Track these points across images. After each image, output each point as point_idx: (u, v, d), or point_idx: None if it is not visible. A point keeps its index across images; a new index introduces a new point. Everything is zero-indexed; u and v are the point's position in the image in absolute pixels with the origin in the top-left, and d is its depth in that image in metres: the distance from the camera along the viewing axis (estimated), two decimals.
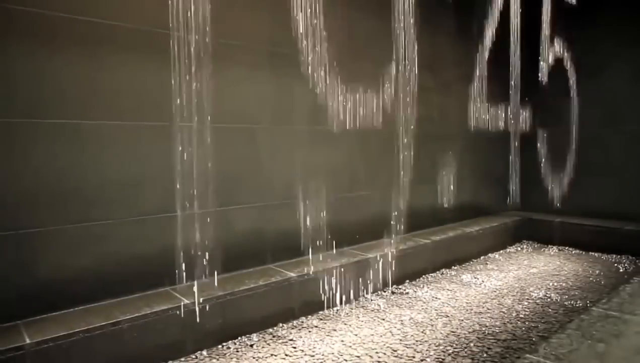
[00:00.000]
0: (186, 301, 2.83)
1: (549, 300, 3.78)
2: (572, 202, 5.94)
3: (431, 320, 3.36)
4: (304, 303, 3.41)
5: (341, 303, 3.64)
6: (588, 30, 5.73)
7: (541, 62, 6.12)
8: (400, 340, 3.02)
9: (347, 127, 4.21)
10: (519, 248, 5.66)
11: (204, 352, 2.84)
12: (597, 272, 4.59)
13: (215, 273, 3.33)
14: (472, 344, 2.95)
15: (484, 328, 3.20)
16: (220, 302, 2.95)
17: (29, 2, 2.52)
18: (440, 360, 2.74)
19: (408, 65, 4.76)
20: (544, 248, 5.65)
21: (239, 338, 3.02)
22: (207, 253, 3.29)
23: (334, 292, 3.61)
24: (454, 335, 3.10)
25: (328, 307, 3.55)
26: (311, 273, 3.47)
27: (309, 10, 3.82)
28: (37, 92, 2.58)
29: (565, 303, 3.70)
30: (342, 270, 3.69)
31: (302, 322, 3.32)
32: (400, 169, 4.78)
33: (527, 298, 3.80)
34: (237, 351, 2.87)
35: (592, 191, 5.76)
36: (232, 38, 3.35)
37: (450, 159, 5.42)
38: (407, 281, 4.25)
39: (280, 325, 3.24)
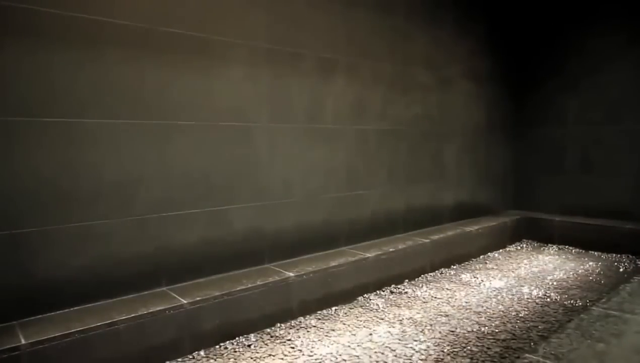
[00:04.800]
0: (183, 301, 2.81)
1: (548, 299, 3.76)
2: (572, 200, 5.92)
3: (430, 319, 3.34)
4: (302, 303, 3.39)
5: (339, 302, 3.63)
6: (589, 28, 5.71)
7: (541, 60, 6.11)
8: (399, 340, 3.00)
9: (345, 125, 4.20)
10: (519, 248, 5.64)
11: (202, 352, 2.82)
12: (597, 271, 4.57)
13: (213, 273, 3.32)
14: (471, 344, 2.93)
15: (483, 328, 3.18)
16: (218, 302, 2.93)
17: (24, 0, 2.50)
18: (439, 359, 2.72)
19: (407, 62, 4.75)
20: (544, 247, 5.63)
21: (237, 338, 3.01)
22: (204, 253, 3.28)
23: (332, 291, 3.60)
24: (453, 334, 3.08)
25: (326, 307, 3.54)
26: (309, 273, 3.45)
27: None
28: (34, 90, 2.55)
29: (565, 302, 3.68)
30: (340, 269, 3.67)
31: (300, 321, 3.30)
32: (398, 167, 4.77)
33: (527, 298, 3.79)
34: (235, 351, 2.85)
35: (592, 190, 5.74)
36: (228, 35, 3.33)
37: (450, 158, 5.40)
38: (406, 280, 4.23)
39: (278, 325, 3.22)
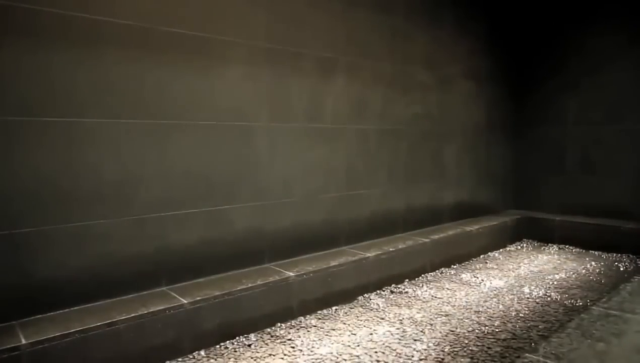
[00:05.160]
0: (183, 301, 2.81)
1: (549, 299, 3.75)
2: (572, 200, 5.91)
3: (430, 319, 3.34)
4: (303, 303, 3.38)
5: (340, 302, 3.62)
6: (589, 28, 5.71)
7: (541, 60, 6.10)
8: (399, 339, 3.00)
9: (345, 125, 4.20)
10: (519, 247, 5.64)
11: (202, 352, 2.82)
12: (598, 270, 4.57)
13: (213, 272, 3.31)
14: (471, 343, 2.93)
15: (483, 328, 3.18)
16: (218, 302, 2.93)
17: None
18: (439, 359, 2.72)
19: (407, 62, 4.74)
20: (544, 246, 5.63)
21: (237, 338, 3.00)
22: (204, 253, 3.27)
23: (333, 291, 3.59)
24: (454, 334, 3.08)
25: (326, 307, 3.53)
26: (309, 272, 3.45)
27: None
28: (34, 90, 2.55)
29: (566, 302, 3.68)
30: (340, 269, 3.67)
31: (301, 321, 3.30)
32: (398, 167, 4.76)
33: (527, 297, 3.78)
34: (235, 351, 2.85)
35: (592, 189, 5.74)
36: (228, 35, 3.32)
37: (450, 157, 5.39)
38: (407, 280, 4.22)
39: (279, 324, 3.22)
